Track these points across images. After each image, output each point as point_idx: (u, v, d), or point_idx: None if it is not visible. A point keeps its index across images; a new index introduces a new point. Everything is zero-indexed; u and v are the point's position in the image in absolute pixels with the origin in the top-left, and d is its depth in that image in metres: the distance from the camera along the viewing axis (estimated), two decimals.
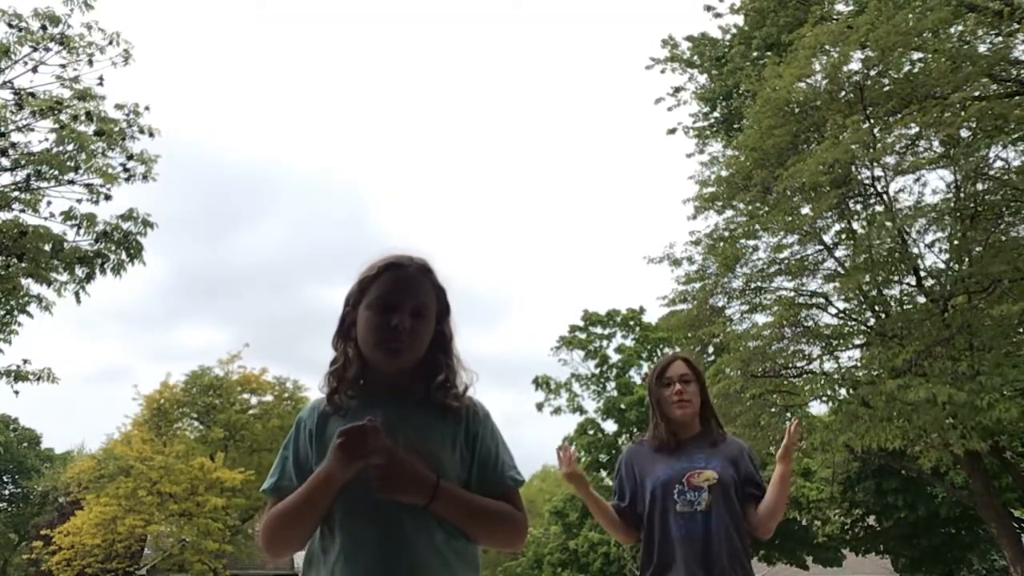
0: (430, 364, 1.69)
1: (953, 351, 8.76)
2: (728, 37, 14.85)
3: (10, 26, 8.19)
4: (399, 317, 1.63)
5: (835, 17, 11.41)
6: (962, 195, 10.30)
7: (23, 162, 8.25)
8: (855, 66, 10.17)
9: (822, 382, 10.84)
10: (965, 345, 8.82)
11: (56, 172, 8.31)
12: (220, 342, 77.39)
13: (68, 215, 8.32)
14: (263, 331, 62.76)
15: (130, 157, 8.79)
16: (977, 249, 9.61)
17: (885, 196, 10.80)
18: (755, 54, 13.78)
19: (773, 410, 11.67)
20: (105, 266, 8.52)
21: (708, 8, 14.69)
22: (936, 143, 10.04)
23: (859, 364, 10.97)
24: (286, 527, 1.60)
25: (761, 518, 2.75)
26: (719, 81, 14.69)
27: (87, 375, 62.98)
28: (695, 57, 15.26)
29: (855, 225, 11.04)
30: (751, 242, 11.63)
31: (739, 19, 14.48)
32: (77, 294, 8.47)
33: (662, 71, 15.37)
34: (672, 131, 15.38)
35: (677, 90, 15.32)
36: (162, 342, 59.42)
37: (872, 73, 10.11)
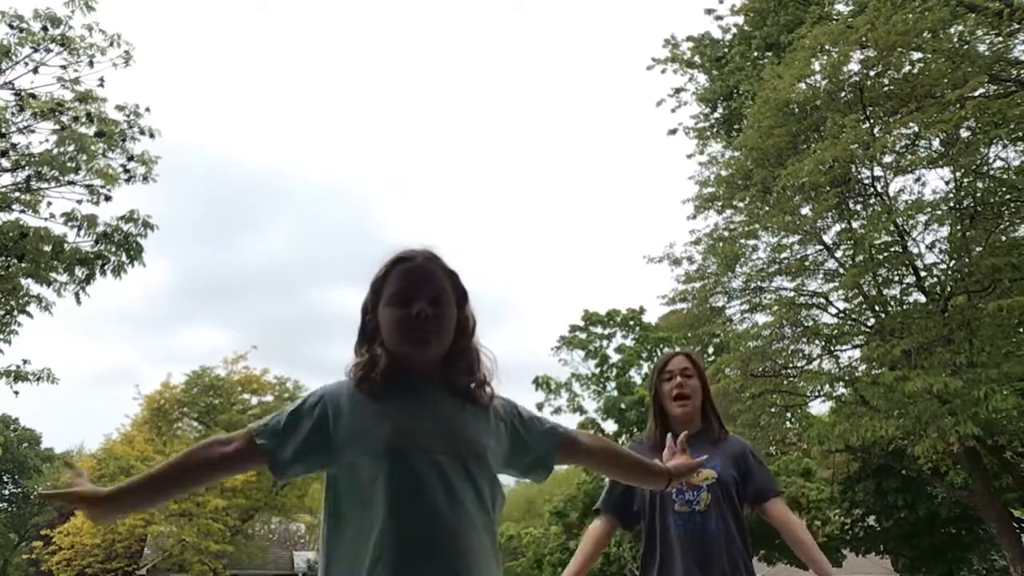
0: (455, 351, 1.67)
1: (953, 346, 8.75)
2: (728, 37, 14.87)
3: (11, 27, 8.20)
4: (419, 305, 1.61)
5: (835, 17, 11.41)
6: (962, 194, 10.30)
7: (24, 163, 8.26)
8: (854, 66, 10.19)
9: (822, 379, 10.85)
10: (965, 341, 8.82)
11: (57, 173, 8.32)
12: (222, 344, 77.33)
13: (70, 217, 8.34)
14: (265, 333, 62.79)
15: (130, 158, 8.80)
16: (977, 249, 9.61)
17: (885, 196, 10.81)
18: (755, 54, 13.80)
19: (773, 410, 11.69)
20: (105, 267, 8.54)
21: (709, 11, 14.73)
22: (936, 142, 10.04)
23: (858, 361, 10.98)
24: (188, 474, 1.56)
25: (777, 524, 2.73)
26: (719, 81, 14.70)
27: (88, 376, 62.95)
28: (696, 57, 15.27)
29: (855, 225, 11.05)
30: (751, 242, 11.65)
31: (739, 19, 14.51)
32: (77, 295, 8.49)
33: (663, 71, 15.41)
34: (672, 132, 15.40)
35: (678, 91, 15.35)
36: (164, 344, 59.33)
37: (871, 73, 10.12)
